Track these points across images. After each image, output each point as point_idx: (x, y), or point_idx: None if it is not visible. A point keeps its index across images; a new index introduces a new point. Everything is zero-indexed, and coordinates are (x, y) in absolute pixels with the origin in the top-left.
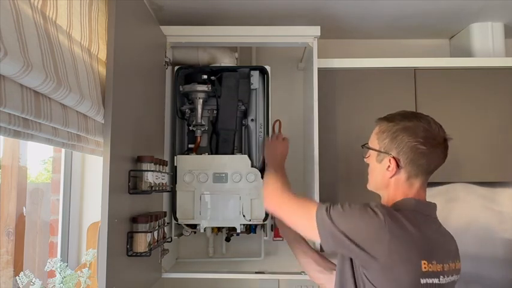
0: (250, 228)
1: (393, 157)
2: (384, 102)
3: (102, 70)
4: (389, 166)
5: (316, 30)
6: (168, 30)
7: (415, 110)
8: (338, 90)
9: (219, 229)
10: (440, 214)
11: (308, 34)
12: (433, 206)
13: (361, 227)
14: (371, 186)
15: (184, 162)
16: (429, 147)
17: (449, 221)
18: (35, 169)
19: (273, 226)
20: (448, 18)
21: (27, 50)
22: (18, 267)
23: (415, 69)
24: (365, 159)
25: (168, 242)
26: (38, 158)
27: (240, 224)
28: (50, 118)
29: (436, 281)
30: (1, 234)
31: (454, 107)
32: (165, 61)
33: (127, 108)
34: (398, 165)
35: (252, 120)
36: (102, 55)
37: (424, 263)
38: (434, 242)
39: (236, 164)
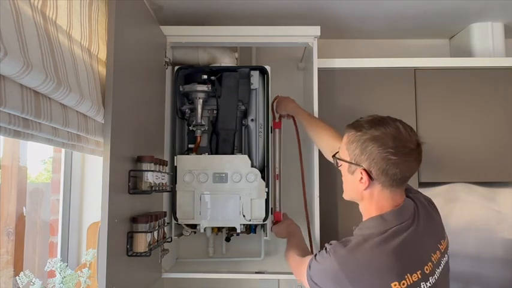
0: (250, 228)
1: (364, 169)
2: (384, 102)
3: (102, 70)
4: (361, 178)
5: (316, 30)
6: (168, 30)
7: (414, 110)
8: (338, 90)
9: (219, 229)
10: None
11: (308, 34)
12: (406, 208)
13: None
14: (346, 196)
15: (184, 162)
16: (401, 156)
17: (449, 221)
18: (35, 169)
19: (273, 210)
20: (448, 18)
21: (27, 50)
22: (18, 267)
23: (415, 69)
24: (338, 167)
25: (168, 242)
26: (38, 158)
27: (240, 224)
28: (50, 118)
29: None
30: (1, 234)
31: (454, 107)
32: (165, 61)
33: (127, 108)
34: (370, 177)
35: (252, 120)
36: (102, 55)
37: (395, 285)
38: (407, 255)
39: (236, 164)
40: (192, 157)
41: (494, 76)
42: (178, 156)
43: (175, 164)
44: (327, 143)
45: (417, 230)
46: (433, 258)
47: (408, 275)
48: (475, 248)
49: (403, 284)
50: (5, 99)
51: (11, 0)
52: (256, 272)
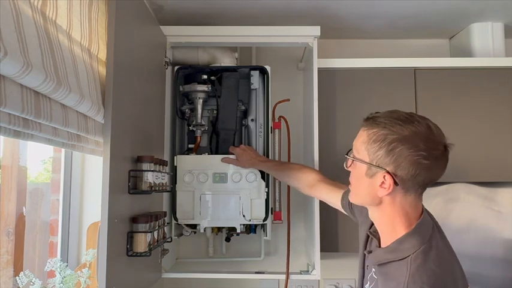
0: (250, 228)
1: (389, 173)
2: (384, 102)
3: (102, 70)
4: (383, 183)
5: (316, 30)
6: (168, 30)
7: (414, 110)
8: (338, 90)
9: (219, 229)
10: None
11: (308, 34)
12: (427, 213)
13: None
14: (357, 200)
15: (184, 162)
16: (433, 160)
17: (449, 221)
18: (35, 169)
19: (273, 209)
20: (448, 18)
21: (27, 50)
22: (18, 267)
23: (415, 69)
24: (347, 168)
25: (168, 242)
26: (38, 158)
27: (240, 224)
28: (50, 118)
29: None
30: (1, 234)
31: (454, 107)
32: (165, 61)
33: (127, 108)
34: (395, 182)
35: (252, 120)
36: (102, 55)
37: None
38: (453, 270)
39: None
40: (192, 157)
41: (494, 76)
42: (178, 156)
43: (175, 164)
44: (303, 180)
45: (440, 231)
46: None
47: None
48: (475, 248)
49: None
50: (5, 99)
51: (11, 0)
52: (256, 272)
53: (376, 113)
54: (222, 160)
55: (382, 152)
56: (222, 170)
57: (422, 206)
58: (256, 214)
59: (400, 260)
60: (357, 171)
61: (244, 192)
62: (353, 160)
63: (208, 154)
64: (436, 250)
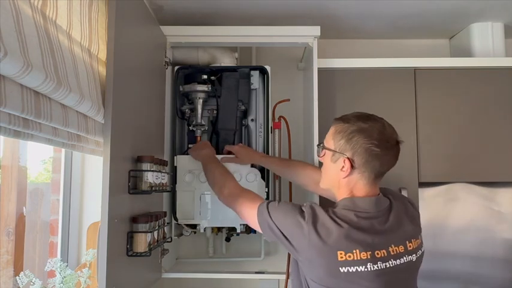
0: (250, 228)
1: (348, 158)
2: (384, 102)
3: (102, 70)
4: (343, 167)
5: (316, 30)
6: (168, 30)
7: (415, 110)
8: (338, 90)
9: (219, 229)
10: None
11: (308, 34)
12: (374, 202)
13: (287, 223)
14: (324, 184)
15: (185, 162)
16: (383, 149)
17: (449, 221)
18: (35, 169)
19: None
20: (448, 18)
21: (27, 50)
22: (18, 267)
23: (415, 69)
24: (319, 158)
25: (168, 242)
26: (38, 158)
27: (240, 224)
28: (50, 118)
29: (362, 268)
30: (1, 234)
31: (454, 107)
32: (165, 61)
33: (127, 108)
34: (352, 166)
35: (252, 120)
36: (102, 55)
37: (341, 253)
38: (364, 234)
39: (236, 163)
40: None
41: (494, 76)
42: (178, 156)
43: (175, 164)
44: (309, 177)
45: (382, 222)
46: (390, 249)
47: (357, 251)
48: (475, 248)
49: (349, 256)
50: (5, 99)
51: (11, 0)
52: (256, 272)
53: (346, 114)
54: (222, 160)
55: (343, 140)
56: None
57: (383, 200)
58: None
59: None
60: (326, 159)
61: None
62: (322, 149)
63: None
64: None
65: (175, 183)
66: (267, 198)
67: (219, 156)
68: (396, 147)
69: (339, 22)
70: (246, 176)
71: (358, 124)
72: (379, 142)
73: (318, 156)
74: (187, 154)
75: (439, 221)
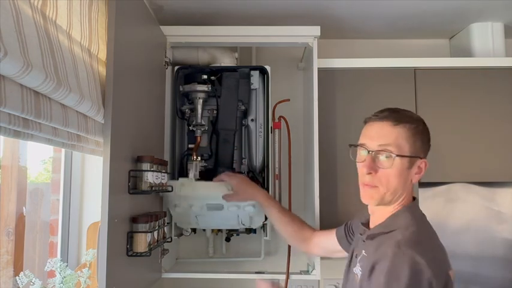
0: (250, 229)
1: (424, 159)
2: (384, 102)
3: (102, 70)
4: (419, 168)
5: (316, 30)
6: (168, 30)
7: (415, 110)
8: (338, 90)
9: (219, 229)
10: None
11: (308, 34)
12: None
13: None
14: (383, 198)
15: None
16: (425, 126)
17: (449, 221)
18: (35, 169)
19: None
20: (448, 18)
21: (27, 50)
22: (18, 267)
23: (415, 69)
24: (386, 170)
25: (168, 242)
26: (38, 158)
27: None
28: (49, 118)
29: None
30: (1, 234)
31: (454, 107)
32: (165, 61)
33: (127, 108)
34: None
35: (252, 120)
36: (102, 55)
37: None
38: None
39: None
40: (185, 182)
41: (494, 76)
42: (169, 181)
43: (178, 192)
44: (302, 233)
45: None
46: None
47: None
48: (475, 248)
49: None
50: (5, 99)
51: (11, 0)
52: (256, 272)
53: (384, 110)
54: (223, 197)
55: (419, 143)
56: (216, 201)
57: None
58: (256, 222)
59: (391, 231)
60: (397, 168)
61: (242, 213)
62: (395, 157)
63: (201, 179)
64: (427, 226)
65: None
66: None
67: (214, 184)
68: None
69: (339, 22)
70: (244, 207)
71: (419, 121)
72: (429, 136)
73: (384, 168)
74: (188, 153)
75: (439, 221)
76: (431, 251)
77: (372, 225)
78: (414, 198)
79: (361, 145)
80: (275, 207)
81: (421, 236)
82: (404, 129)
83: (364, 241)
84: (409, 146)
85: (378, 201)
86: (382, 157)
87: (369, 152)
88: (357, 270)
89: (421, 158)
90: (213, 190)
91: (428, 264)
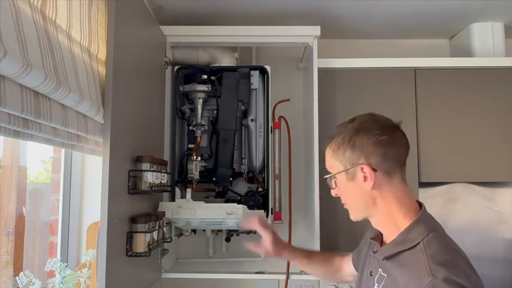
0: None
1: (364, 164)
2: (383, 102)
3: (102, 70)
4: (365, 176)
5: (316, 30)
6: (168, 30)
7: (415, 110)
8: (338, 91)
9: (219, 229)
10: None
11: (308, 34)
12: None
13: None
14: (355, 214)
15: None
16: (390, 134)
17: (450, 221)
18: (35, 169)
19: (273, 210)
20: (448, 18)
21: (27, 50)
22: (18, 267)
23: (415, 69)
24: (334, 193)
25: (168, 242)
26: (38, 158)
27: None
28: (49, 118)
29: None
30: (1, 234)
31: (454, 107)
32: (165, 61)
33: (127, 108)
34: (373, 169)
35: (252, 120)
36: (102, 55)
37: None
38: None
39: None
40: (182, 203)
41: (494, 76)
42: (161, 203)
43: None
44: (333, 263)
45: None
46: None
47: None
48: (475, 248)
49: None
50: (5, 99)
51: (11, 0)
52: (256, 272)
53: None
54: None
55: (348, 152)
56: (213, 218)
57: (417, 200)
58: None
59: (411, 248)
60: (341, 185)
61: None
62: (332, 178)
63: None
64: (444, 235)
65: (175, 183)
66: (267, 198)
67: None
68: (399, 128)
69: (339, 22)
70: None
71: (349, 128)
72: (381, 130)
73: (333, 193)
74: (188, 152)
75: (439, 221)
76: (460, 266)
77: (382, 232)
78: (420, 204)
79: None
80: (302, 258)
81: (447, 253)
82: (329, 150)
83: (374, 255)
84: (338, 161)
85: (356, 217)
86: (328, 181)
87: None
88: None
89: (359, 164)
90: (212, 214)
91: (466, 282)
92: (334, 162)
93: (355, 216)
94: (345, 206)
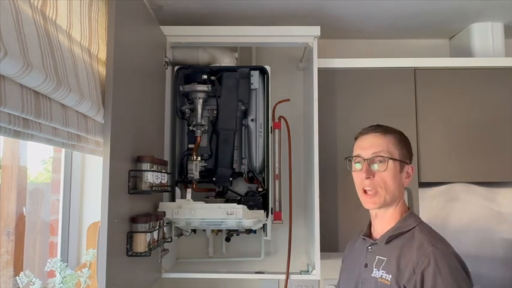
0: (250, 229)
1: (411, 165)
2: (384, 102)
3: (102, 70)
4: (408, 173)
5: (316, 30)
6: (168, 30)
7: (415, 110)
8: (338, 90)
9: (219, 229)
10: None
11: (308, 34)
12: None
13: None
14: (382, 200)
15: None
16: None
17: (449, 221)
18: (35, 169)
19: (273, 210)
20: (448, 18)
21: (27, 50)
22: (18, 267)
23: (415, 69)
24: (367, 175)
25: (168, 242)
26: (38, 158)
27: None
28: (49, 118)
29: None
30: (1, 234)
31: (454, 107)
32: (165, 61)
33: (127, 108)
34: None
35: (252, 120)
36: (102, 55)
37: None
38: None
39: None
40: (182, 203)
41: (494, 76)
42: (161, 203)
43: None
44: None
45: None
46: None
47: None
48: (475, 248)
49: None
50: (5, 99)
51: (11, 0)
52: (256, 272)
53: (370, 126)
54: None
55: (405, 149)
56: (213, 218)
57: None
58: (256, 225)
59: (409, 231)
60: (391, 170)
61: (242, 224)
62: (389, 160)
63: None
64: (431, 227)
65: (175, 183)
66: (267, 198)
67: (209, 206)
68: None
69: (339, 22)
70: (244, 223)
71: (399, 131)
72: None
73: (380, 170)
74: (188, 152)
75: (439, 221)
76: (452, 246)
77: (377, 228)
78: (409, 208)
79: (356, 156)
80: None
81: (438, 236)
82: (392, 138)
83: (369, 248)
84: (398, 152)
85: (380, 205)
86: (377, 162)
87: (364, 160)
88: (378, 274)
89: (408, 164)
90: (212, 214)
91: (458, 256)
92: (393, 150)
93: (380, 201)
94: (371, 192)
